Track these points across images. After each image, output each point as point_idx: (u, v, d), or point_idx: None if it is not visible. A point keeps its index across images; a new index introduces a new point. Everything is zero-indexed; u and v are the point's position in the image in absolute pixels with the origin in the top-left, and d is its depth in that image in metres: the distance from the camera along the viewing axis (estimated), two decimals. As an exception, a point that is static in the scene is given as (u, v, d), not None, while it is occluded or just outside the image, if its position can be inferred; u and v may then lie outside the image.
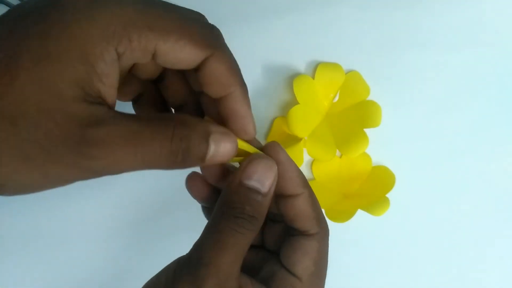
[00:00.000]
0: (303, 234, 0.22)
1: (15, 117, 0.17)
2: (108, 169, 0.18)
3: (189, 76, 0.24)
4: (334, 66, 0.38)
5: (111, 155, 0.18)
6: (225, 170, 0.24)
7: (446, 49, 0.39)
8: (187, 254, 0.21)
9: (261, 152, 0.22)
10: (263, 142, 0.38)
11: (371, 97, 0.38)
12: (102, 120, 0.18)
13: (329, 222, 0.35)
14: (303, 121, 0.36)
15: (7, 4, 0.37)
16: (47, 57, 0.17)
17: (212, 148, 0.20)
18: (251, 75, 0.38)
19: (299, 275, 0.22)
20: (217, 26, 0.39)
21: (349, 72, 0.38)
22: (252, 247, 0.25)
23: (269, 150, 0.22)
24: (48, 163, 0.17)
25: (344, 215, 0.35)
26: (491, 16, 0.39)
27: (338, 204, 0.37)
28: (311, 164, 0.39)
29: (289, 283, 0.22)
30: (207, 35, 0.20)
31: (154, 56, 0.19)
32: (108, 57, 0.18)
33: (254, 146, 0.23)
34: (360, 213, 0.34)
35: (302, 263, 0.22)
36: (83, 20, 0.18)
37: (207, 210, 0.26)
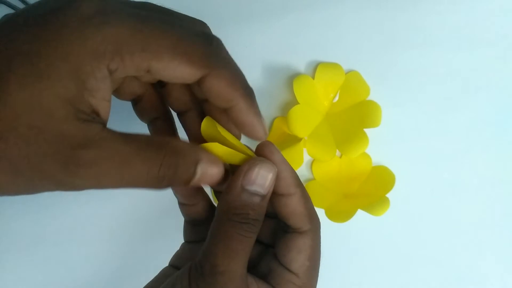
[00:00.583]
0: (296, 231, 0.23)
1: (6, 133, 0.17)
2: (92, 187, 0.19)
3: (192, 85, 0.24)
4: (334, 66, 0.38)
5: (97, 176, 0.18)
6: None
7: (446, 49, 0.39)
8: (197, 260, 0.21)
9: (255, 156, 0.23)
10: (263, 142, 0.39)
11: (371, 97, 0.38)
12: (93, 142, 0.18)
13: (329, 222, 0.35)
14: (303, 121, 0.36)
15: (8, 5, 0.37)
16: (38, 75, 0.17)
17: (198, 174, 0.20)
18: (251, 75, 0.38)
19: (295, 271, 0.23)
20: (218, 26, 0.39)
21: (349, 72, 0.38)
22: None
23: (263, 151, 0.22)
24: (36, 177, 0.18)
25: (344, 215, 0.35)
26: (492, 16, 0.39)
27: (338, 204, 0.37)
28: (311, 164, 0.39)
29: (288, 279, 0.23)
30: (204, 53, 0.20)
31: (148, 72, 0.20)
32: (99, 74, 0.18)
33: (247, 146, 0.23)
34: (360, 213, 0.34)
35: (298, 261, 0.23)
36: (74, 39, 0.18)
37: (184, 208, 0.26)
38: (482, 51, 0.39)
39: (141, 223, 0.38)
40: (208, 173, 0.21)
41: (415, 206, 0.39)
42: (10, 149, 0.17)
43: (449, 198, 0.39)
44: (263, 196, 0.21)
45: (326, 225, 0.36)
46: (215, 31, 0.39)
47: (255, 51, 0.38)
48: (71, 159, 0.18)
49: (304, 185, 0.38)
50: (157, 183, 0.20)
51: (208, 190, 0.27)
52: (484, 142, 0.39)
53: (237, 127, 0.23)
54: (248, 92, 0.22)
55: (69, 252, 0.38)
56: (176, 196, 0.26)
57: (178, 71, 0.20)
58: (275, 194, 0.23)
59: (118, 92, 0.24)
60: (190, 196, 0.25)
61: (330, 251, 0.39)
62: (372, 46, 0.39)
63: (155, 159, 0.19)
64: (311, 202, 0.24)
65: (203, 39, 0.21)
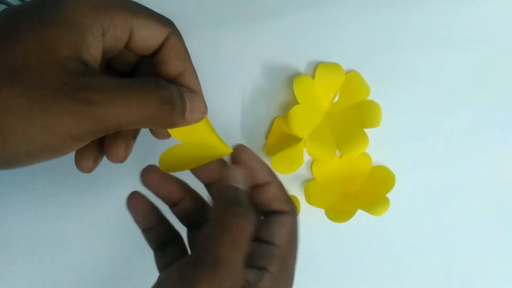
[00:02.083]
0: (278, 212, 0.25)
1: (19, 69, 0.19)
2: (108, 117, 0.19)
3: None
4: (334, 66, 0.38)
5: (108, 100, 0.19)
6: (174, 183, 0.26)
7: (446, 49, 0.39)
8: (192, 254, 0.22)
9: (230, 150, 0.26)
10: (263, 142, 0.39)
11: (371, 97, 0.38)
12: (96, 74, 0.20)
13: (329, 222, 0.35)
14: (303, 121, 0.36)
15: (8, 5, 0.37)
16: (43, 22, 0.19)
17: (188, 103, 0.22)
18: (251, 75, 0.38)
19: (278, 243, 0.24)
20: (218, 26, 0.40)
21: (349, 72, 0.38)
22: None
23: (237, 151, 0.25)
24: (50, 110, 0.19)
25: (344, 215, 0.35)
26: (491, 16, 0.39)
27: (338, 204, 0.37)
28: (311, 164, 0.39)
29: (271, 251, 0.24)
30: (166, 18, 0.24)
31: (131, 35, 0.22)
32: (96, 30, 0.20)
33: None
34: (360, 213, 0.34)
35: (279, 234, 0.24)
36: None
37: (147, 234, 0.27)
38: (482, 51, 0.39)
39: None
40: (195, 102, 0.23)
41: (415, 206, 0.39)
42: (24, 81, 0.18)
43: (449, 198, 0.39)
44: (248, 194, 0.23)
45: (326, 225, 0.36)
46: (215, 31, 0.39)
47: (255, 51, 0.38)
48: (80, 85, 0.19)
49: (304, 185, 0.39)
50: (162, 108, 0.21)
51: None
52: (484, 142, 0.39)
53: None
54: None
55: (69, 253, 0.38)
56: (135, 220, 0.27)
57: (152, 29, 0.22)
58: (256, 187, 0.25)
59: (117, 61, 0.25)
60: (147, 216, 0.26)
61: (330, 251, 0.39)
62: (372, 46, 0.39)
63: (150, 83, 0.21)
64: (287, 190, 0.26)
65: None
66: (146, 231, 0.27)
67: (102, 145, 0.25)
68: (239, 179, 0.23)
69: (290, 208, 0.25)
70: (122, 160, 0.25)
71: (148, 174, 0.26)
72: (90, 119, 0.19)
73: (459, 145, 0.39)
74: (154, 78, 0.22)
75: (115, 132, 0.23)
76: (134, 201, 0.26)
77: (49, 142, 0.19)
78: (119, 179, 0.38)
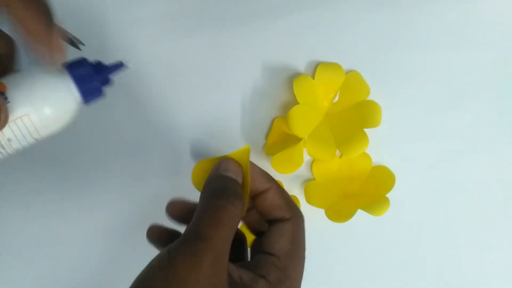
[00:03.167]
0: (279, 220, 0.25)
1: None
2: None
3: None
4: (334, 66, 0.38)
5: None
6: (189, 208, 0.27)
7: (446, 49, 0.39)
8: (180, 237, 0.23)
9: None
10: (263, 142, 0.39)
11: (371, 97, 0.38)
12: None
13: (329, 222, 0.35)
14: (303, 121, 0.36)
15: (7, 4, 0.37)
16: None
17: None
18: (251, 75, 0.38)
19: (277, 253, 0.24)
20: (218, 26, 0.40)
21: (349, 72, 0.38)
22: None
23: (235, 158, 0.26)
24: None
25: (344, 215, 0.35)
26: (491, 16, 0.39)
27: (338, 204, 0.37)
28: (311, 164, 0.39)
29: (269, 261, 0.24)
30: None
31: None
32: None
33: None
34: (360, 213, 0.34)
35: (279, 243, 0.24)
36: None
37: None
38: (481, 51, 0.39)
39: (139, 225, 0.38)
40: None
41: (415, 206, 0.39)
42: None
43: (449, 198, 0.39)
44: (237, 182, 0.24)
45: (326, 225, 0.36)
46: (216, 31, 0.39)
47: (255, 51, 0.38)
48: None
49: (304, 185, 0.39)
50: None
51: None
52: (484, 141, 0.39)
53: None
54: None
55: (67, 253, 0.38)
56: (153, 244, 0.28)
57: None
58: (255, 195, 0.26)
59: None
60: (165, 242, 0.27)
61: (330, 251, 0.39)
62: (372, 46, 0.39)
63: None
64: (288, 195, 0.26)
65: None
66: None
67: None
68: (227, 169, 0.25)
69: (292, 214, 0.25)
70: None
71: (172, 207, 0.27)
72: None
73: (459, 145, 0.39)
74: None
75: None
76: (152, 232, 0.27)
77: None
78: (119, 180, 0.38)
